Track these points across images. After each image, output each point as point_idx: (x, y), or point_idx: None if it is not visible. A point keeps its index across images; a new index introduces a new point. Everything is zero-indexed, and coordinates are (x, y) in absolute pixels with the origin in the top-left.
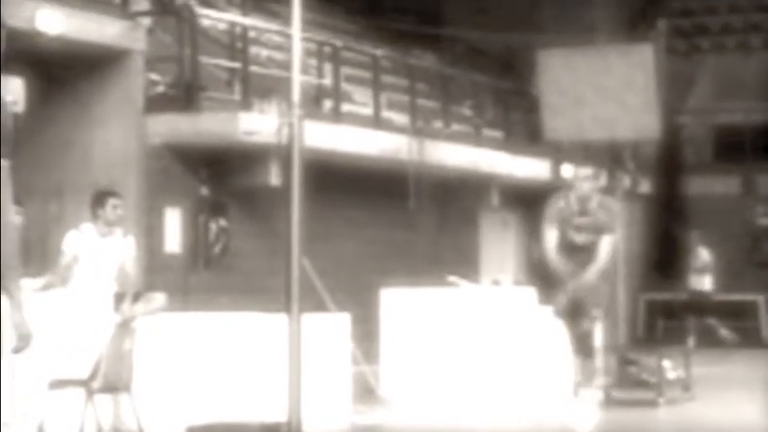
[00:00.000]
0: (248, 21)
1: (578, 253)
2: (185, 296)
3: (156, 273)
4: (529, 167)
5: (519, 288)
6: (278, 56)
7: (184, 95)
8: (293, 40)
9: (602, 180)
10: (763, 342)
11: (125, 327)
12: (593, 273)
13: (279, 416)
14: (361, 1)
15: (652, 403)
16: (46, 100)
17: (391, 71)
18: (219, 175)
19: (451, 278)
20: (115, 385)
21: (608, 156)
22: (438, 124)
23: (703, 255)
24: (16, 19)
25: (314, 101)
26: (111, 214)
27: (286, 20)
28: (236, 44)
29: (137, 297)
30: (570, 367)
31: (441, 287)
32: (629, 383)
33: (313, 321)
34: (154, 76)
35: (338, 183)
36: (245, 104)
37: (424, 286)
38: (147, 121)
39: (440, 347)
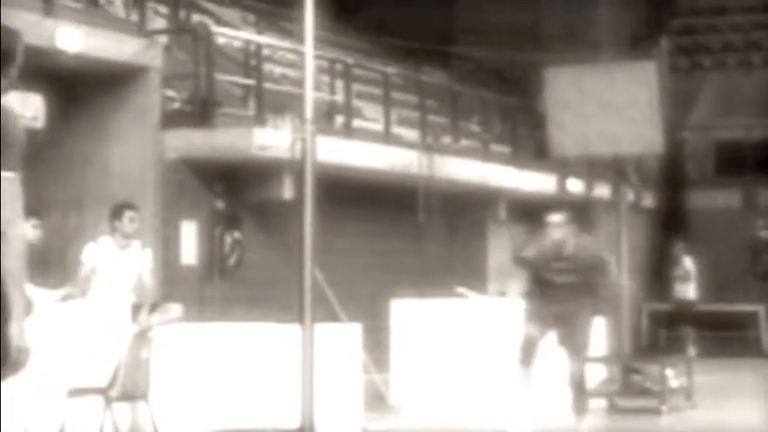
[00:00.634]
0: (262, 39)
1: (555, 290)
2: (201, 307)
3: (173, 284)
4: (535, 182)
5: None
6: (291, 73)
7: (200, 111)
8: (306, 57)
9: (573, 226)
10: (764, 352)
11: (142, 336)
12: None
13: (292, 423)
14: (372, 20)
15: (655, 411)
16: (65, 116)
17: (401, 88)
18: (234, 189)
19: (460, 289)
20: (133, 393)
21: (612, 170)
22: (447, 139)
23: (687, 263)
24: (37, 37)
25: (326, 117)
26: (128, 227)
27: (299, 38)
28: (250, 61)
29: (154, 308)
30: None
31: (449, 298)
32: (632, 392)
33: (325, 331)
34: (170, 93)
35: (349, 196)
36: (259, 120)
37: (434, 297)
38: (163, 136)
39: (448, 356)
